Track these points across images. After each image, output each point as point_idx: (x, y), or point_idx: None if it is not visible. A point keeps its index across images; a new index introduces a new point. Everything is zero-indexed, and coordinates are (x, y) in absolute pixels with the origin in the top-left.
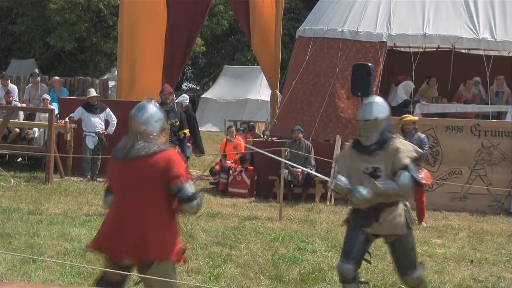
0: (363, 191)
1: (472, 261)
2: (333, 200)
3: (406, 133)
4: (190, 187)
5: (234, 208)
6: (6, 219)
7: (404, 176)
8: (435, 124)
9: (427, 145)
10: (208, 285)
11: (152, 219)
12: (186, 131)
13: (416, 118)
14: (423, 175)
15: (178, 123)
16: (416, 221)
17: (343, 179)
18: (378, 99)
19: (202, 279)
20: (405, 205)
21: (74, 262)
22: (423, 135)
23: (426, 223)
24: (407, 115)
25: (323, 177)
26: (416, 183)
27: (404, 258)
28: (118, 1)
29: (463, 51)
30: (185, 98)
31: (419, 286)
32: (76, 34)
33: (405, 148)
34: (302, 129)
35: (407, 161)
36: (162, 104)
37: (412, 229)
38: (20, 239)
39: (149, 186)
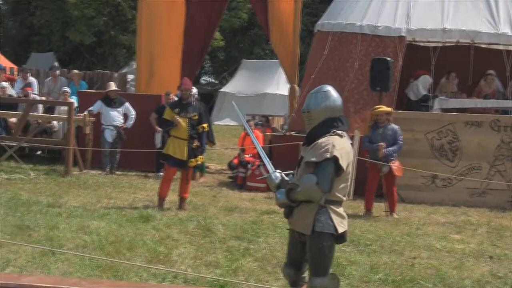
0: (279, 194)
1: (491, 257)
2: (351, 194)
3: (380, 124)
4: None
5: (252, 202)
6: (26, 212)
7: (305, 178)
8: (454, 119)
9: (401, 136)
10: (226, 278)
11: None
12: (205, 125)
13: (389, 109)
14: (395, 167)
15: (196, 117)
16: (388, 212)
17: (273, 176)
18: (325, 89)
19: (220, 272)
20: (325, 208)
21: (93, 255)
22: (396, 126)
23: (397, 215)
24: (380, 105)
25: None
26: (319, 184)
27: (310, 261)
28: None
29: (482, 45)
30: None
31: None
32: (94, 27)
33: (320, 147)
34: None
35: (313, 160)
36: (181, 98)
37: (326, 234)
38: (39, 231)
39: None
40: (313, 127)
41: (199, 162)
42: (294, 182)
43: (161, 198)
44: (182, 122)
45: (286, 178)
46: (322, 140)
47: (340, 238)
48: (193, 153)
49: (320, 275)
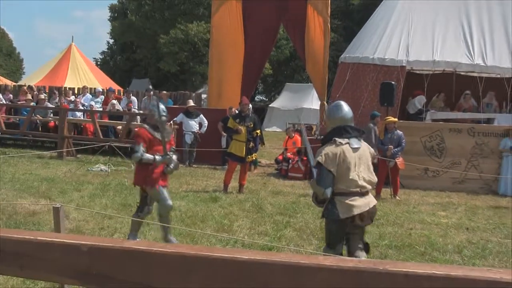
0: None
1: (467, 228)
2: None
3: (389, 130)
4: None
5: (292, 188)
6: (128, 194)
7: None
8: (442, 127)
9: (404, 139)
10: (273, 243)
11: None
12: (258, 131)
13: (395, 119)
14: (399, 162)
15: (252, 125)
16: (392, 196)
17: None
18: (336, 103)
19: (268, 239)
20: (333, 199)
21: (176, 226)
22: (401, 132)
23: (399, 197)
24: (390, 116)
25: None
26: (317, 182)
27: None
28: (209, 36)
29: (462, 73)
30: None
31: None
32: (178, 60)
33: (317, 153)
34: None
35: (312, 163)
36: (241, 111)
37: (329, 219)
38: None
39: None
40: (325, 134)
41: (253, 158)
42: None
43: (226, 184)
44: (242, 129)
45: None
46: (321, 147)
47: (347, 220)
48: (249, 151)
49: (326, 245)
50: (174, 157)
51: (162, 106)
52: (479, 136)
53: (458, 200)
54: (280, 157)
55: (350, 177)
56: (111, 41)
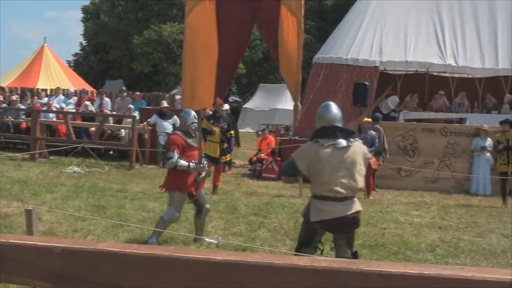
0: None
1: (440, 227)
2: None
3: (362, 131)
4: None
5: (266, 188)
6: (101, 195)
7: None
8: (415, 127)
9: (377, 140)
10: (247, 244)
11: None
12: (233, 132)
13: (369, 119)
14: (373, 162)
15: (226, 126)
16: (366, 195)
17: None
18: (324, 103)
19: (243, 240)
20: (311, 200)
21: (150, 227)
22: (374, 132)
23: (372, 197)
24: (365, 116)
25: None
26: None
27: None
28: (183, 36)
29: (434, 73)
30: (224, 107)
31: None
32: (152, 61)
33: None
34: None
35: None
36: (215, 112)
37: (303, 218)
38: (111, 210)
39: None
40: (312, 134)
41: (228, 159)
42: None
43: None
44: (216, 130)
45: None
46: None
47: (317, 224)
48: (223, 152)
49: (297, 243)
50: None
51: (193, 113)
52: (451, 136)
53: (431, 200)
54: (254, 158)
55: (324, 181)
56: (84, 42)
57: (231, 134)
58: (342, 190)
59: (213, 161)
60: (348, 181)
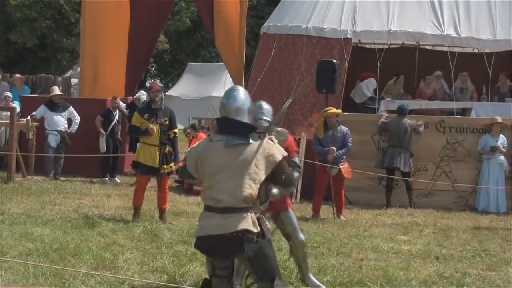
0: None
1: (437, 257)
2: (298, 197)
3: (330, 126)
4: None
5: (199, 206)
6: None
7: None
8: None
9: (350, 138)
10: (174, 284)
11: None
12: (176, 130)
13: (339, 111)
14: (344, 169)
15: (167, 122)
16: (336, 215)
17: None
18: (228, 88)
19: (167, 278)
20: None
21: (37, 262)
22: (346, 128)
23: (344, 217)
24: (331, 107)
25: None
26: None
27: None
28: None
29: (427, 47)
30: (142, 94)
31: None
32: (37, 30)
33: None
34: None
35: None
36: (150, 102)
37: None
38: None
39: None
40: None
41: (172, 169)
42: None
43: (136, 207)
44: (154, 128)
45: None
46: None
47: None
48: (165, 159)
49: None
50: (296, 174)
51: (266, 107)
52: (452, 133)
53: (425, 220)
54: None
55: (205, 185)
56: None
57: (174, 133)
58: (222, 198)
59: (151, 171)
60: (234, 187)
